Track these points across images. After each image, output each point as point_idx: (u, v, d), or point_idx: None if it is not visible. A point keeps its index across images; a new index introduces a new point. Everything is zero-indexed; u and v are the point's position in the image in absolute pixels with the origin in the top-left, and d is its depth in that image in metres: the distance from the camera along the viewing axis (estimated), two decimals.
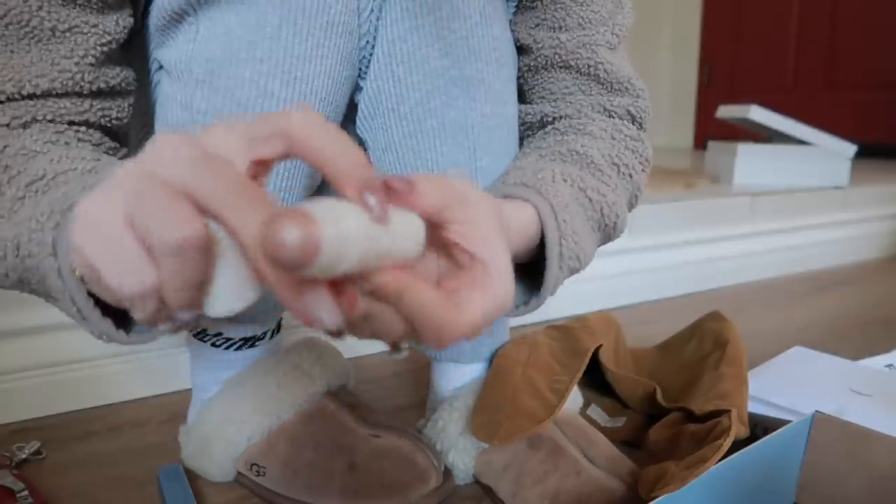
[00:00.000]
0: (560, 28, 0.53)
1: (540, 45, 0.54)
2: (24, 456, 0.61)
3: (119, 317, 0.35)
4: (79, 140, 0.43)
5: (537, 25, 0.54)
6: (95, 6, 0.43)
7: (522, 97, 0.59)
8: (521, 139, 0.59)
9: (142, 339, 0.36)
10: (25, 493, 0.54)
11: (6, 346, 0.69)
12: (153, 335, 0.35)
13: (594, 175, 0.50)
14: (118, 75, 0.46)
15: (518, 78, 0.57)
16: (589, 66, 0.54)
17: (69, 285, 0.32)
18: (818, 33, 2.90)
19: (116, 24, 0.45)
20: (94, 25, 0.43)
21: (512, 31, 0.55)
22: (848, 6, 2.78)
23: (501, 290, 0.32)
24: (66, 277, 0.32)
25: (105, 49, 0.44)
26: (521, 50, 0.56)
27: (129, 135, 0.51)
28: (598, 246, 0.53)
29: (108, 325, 0.34)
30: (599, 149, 0.52)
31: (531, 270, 0.47)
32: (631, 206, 0.55)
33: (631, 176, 0.53)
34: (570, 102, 0.55)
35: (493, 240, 0.32)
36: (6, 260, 0.35)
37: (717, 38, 3.36)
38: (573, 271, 0.47)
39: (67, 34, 0.42)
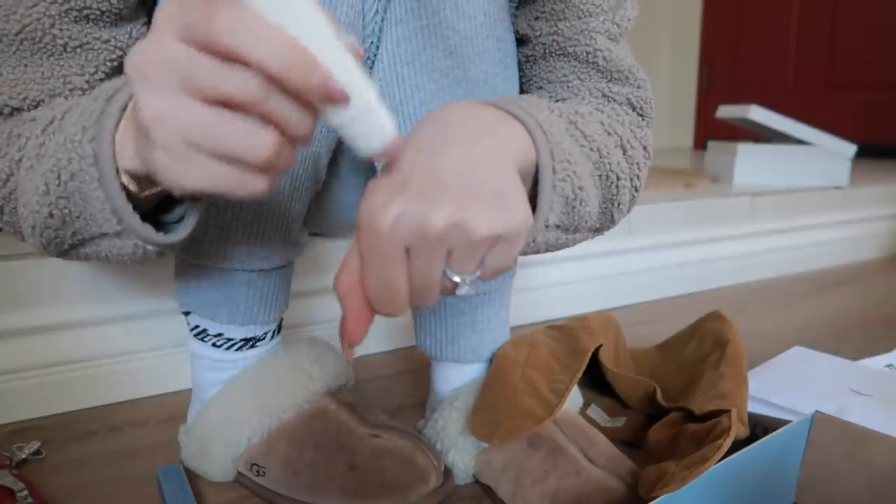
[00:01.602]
0: (559, 18, 0.52)
1: (538, 34, 0.53)
2: (23, 456, 0.61)
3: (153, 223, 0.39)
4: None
5: (537, 18, 0.53)
6: (108, 19, 0.44)
7: (520, 89, 0.58)
8: None
9: (176, 237, 0.39)
10: (25, 493, 0.54)
11: (6, 346, 0.69)
12: (186, 229, 0.40)
13: (580, 117, 0.47)
14: None
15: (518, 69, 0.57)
16: (587, 54, 0.52)
17: (110, 188, 0.35)
18: (818, 33, 2.90)
19: (129, 35, 0.46)
20: (106, 41, 0.44)
21: (511, 24, 0.55)
22: (848, 6, 2.78)
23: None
24: (108, 182, 0.35)
25: (116, 63, 0.45)
26: (520, 41, 0.55)
27: None
28: (601, 213, 0.48)
29: (147, 228, 0.37)
30: (592, 114, 0.48)
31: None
32: (632, 194, 0.50)
33: (624, 150, 0.48)
34: (568, 87, 0.53)
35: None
36: (49, 194, 0.37)
37: (717, 39, 3.36)
38: (570, 207, 0.43)
39: (78, 50, 0.43)
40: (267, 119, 0.28)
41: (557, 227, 0.44)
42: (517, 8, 0.55)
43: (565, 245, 0.47)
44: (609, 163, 0.46)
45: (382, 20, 0.49)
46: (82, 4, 0.42)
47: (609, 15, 0.52)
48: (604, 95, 0.53)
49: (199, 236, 0.52)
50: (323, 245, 0.86)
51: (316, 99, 0.28)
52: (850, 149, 1.61)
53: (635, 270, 1.21)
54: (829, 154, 1.60)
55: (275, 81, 0.27)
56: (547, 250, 0.47)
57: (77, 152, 0.35)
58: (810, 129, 1.59)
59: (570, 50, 0.52)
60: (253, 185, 0.29)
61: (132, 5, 0.46)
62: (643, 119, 0.53)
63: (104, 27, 0.44)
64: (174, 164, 0.29)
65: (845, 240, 1.59)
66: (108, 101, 0.36)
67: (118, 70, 0.46)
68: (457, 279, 0.34)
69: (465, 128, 0.36)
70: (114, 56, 0.45)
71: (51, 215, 0.38)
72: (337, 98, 0.28)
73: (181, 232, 0.40)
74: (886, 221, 1.69)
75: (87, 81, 0.44)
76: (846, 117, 2.78)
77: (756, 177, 1.59)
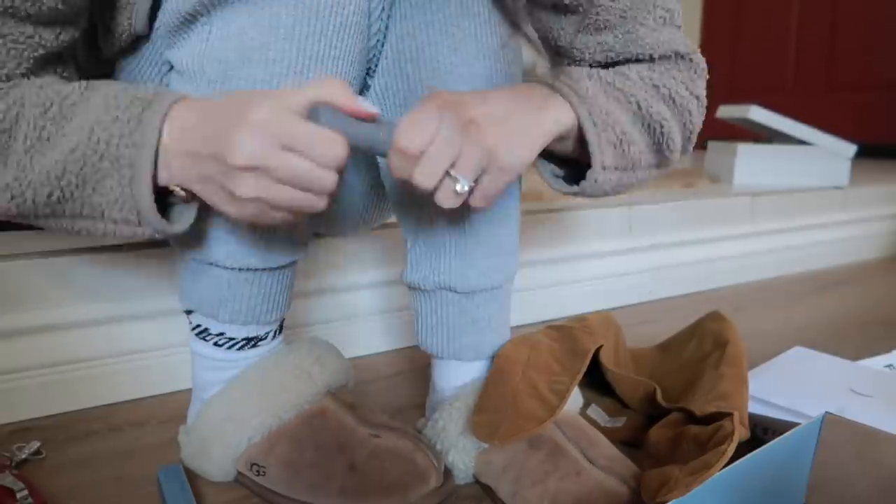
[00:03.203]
0: (603, 28, 0.53)
1: (591, 51, 0.55)
2: (24, 456, 0.61)
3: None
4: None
5: (578, 31, 0.54)
6: (39, 20, 0.44)
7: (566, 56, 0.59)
8: None
9: (182, 227, 0.46)
10: (25, 493, 0.54)
11: (6, 346, 0.69)
12: (189, 219, 0.46)
13: (625, 80, 0.52)
14: (56, 75, 0.47)
15: (556, 41, 0.57)
16: (639, 55, 0.54)
17: (140, 191, 0.42)
18: (818, 33, 2.90)
19: (56, 37, 0.45)
20: (30, 36, 0.44)
21: (548, 35, 0.55)
22: (848, 6, 2.78)
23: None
24: (140, 186, 0.42)
25: (39, 58, 0.45)
26: (565, 54, 0.56)
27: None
28: (653, 154, 0.54)
29: (164, 222, 0.44)
30: (638, 72, 0.53)
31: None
32: (685, 135, 0.56)
33: (674, 100, 0.53)
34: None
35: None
36: (62, 178, 0.41)
37: (717, 39, 3.36)
38: (620, 150, 0.51)
39: (1, 39, 0.43)
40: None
41: (615, 168, 0.51)
42: (550, 17, 0.54)
43: (630, 184, 0.54)
44: (650, 112, 0.52)
45: (388, 18, 0.49)
46: (10, 3, 0.42)
47: (650, 7, 0.53)
48: (657, 55, 0.55)
49: (203, 235, 0.52)
50: (324, 245, 0.86)
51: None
52: (850, 149, 1.61)
53: (635, 270, 1.21)
54: (829, 154, 1.60)
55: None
56: (616, 191, 0.54)
57: (111, 152, 0.41)
58: (810, 129, 1.59)
59: (623, 60, 0.55)
60: (286, 222, 0.44)
61: (70, 13, 0.45)
62: (696, 74, 0.56)
63: (29, 24, 0.44)
64: (233, 206, 0.42)
65: (845, 240, 1.59)
66: (148, 108, 0.42)
67: (40, 65, 0.46)
68: (455, 176, 0.43)
69: (508, 92, 0.48)
70: (37, 53, 0.45)
71: (50, 195, 0.41)
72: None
73: (185, 221, 0.46)
74: (886, 221, 1.69)
75: (8, 76, 0.44)
76: (846, 117, 2.78)
77: (756, 177, 1.59)
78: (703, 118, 0.57)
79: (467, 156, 0.43)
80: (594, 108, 0.49)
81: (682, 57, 0.55)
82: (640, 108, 0.51)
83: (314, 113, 0.41)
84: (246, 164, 0.39)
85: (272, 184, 0.40)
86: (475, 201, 0.46)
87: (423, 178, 0.42)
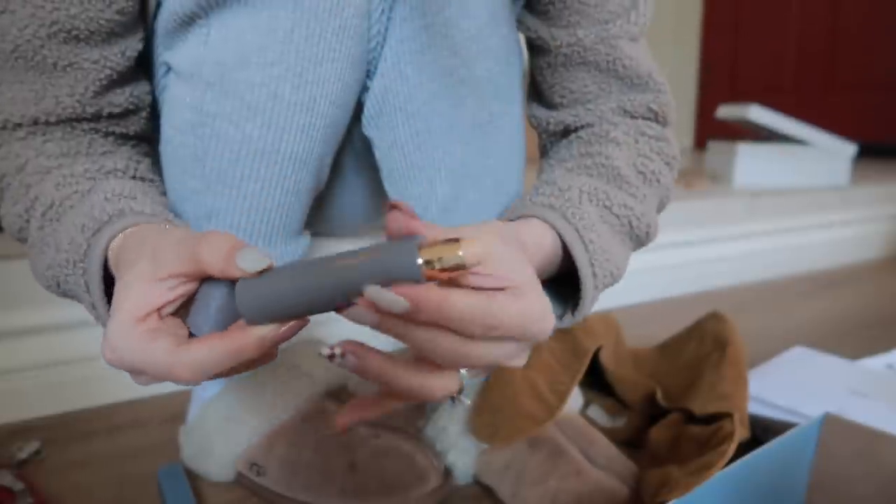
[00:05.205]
0: (578, 26, 0.53)
1: (558, 44, 0.53)
2: (24, 456, 0.61)
3: None
4: (90, 143, 0.48)
5: (554, 26, 0.53)
6: (99, 38, 0.46)
7: (541, 97, 0.58)
8: (543, 146, 0.59)
9: None
10: (25, 493, 0.54)
11: (6, 346, 0.69)
12: None
13: (621, 188, 0.50)
14: (125, 96, 0.49)
15: (537, 76, 0.57)
16: (608, 62, 0.53)
17: (100, 314, 0.41)
18: (818, 33, 2.90)
19: (122, 54, 0.47)
20: (95, 61, 0.46)
21: (526, 29, 0.55)
22: (848, 6, 2.78)
23: (538, 306, 0.33)
24: (99, 309, 0.41)
25: (105, 81, 0.47)
26: (538, 49, 0.56)
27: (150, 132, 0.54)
28: (635, 247, 0.52)
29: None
30: (625, 158, 0.51)
31: (563, 283, 0.48)
32: (661, 209, 0.55)
33: (659, 181, 0.52)
34: (590, 109, 0.55)
35: (519, 267, 0.34)
36: (50, 288, 0.44)
37: (717, 39, 3.36)
38: (609, 286, 0.48)
39: (69, 69, 0.45)
40: None
41: (596, 288, 0.47)
42: (529, 14, 0.55)
43: None
44: (640, 226, 0.50)
45: (388, 20, 0.49)
46: (70, 26, 0.44)
47: (626, 17, 0.53)
48: (625, 112, 0.54)
49: None
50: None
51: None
52: (850, 149, 1.61)
53: (636, 270, 1.21)
54: (829, 154, 1.60)
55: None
56: None
57: (73, 278, 0.41)
58: (810, 129, 1.59)
59: (591, 59, 0.53)
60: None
61: (127, 22, 0.47)
62: (665, 127, 0.55)
63: (94, 47, 0.46)
64: None
65: (845, 240, 1.59)
66: (95, 235, 0.41)
67: (108, 87, 0.48)
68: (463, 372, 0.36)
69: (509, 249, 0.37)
70: (102, 75, 0.47)
71: (57, 287, 0.44)
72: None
73: None
74: (886, 221, 1.69)
75: (78, 101, 0.46)
76: (846, 117, 2.78)
77: (756, 177, 1.59)
78: (677, 174, 0.55)
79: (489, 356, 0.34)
80: (596, 255, 0.45)
81: (654, 112, 0.54)
82: (631, 227, 0.49)
83: (205, 294, 0.32)
84: (111, 363, 0.35)
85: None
86: (474, 376, 0.39)
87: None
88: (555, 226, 0.44)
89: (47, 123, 0.46)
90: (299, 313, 0.31)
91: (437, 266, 0.29)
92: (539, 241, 0.43)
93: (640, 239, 0.51)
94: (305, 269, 0.31)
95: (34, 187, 0.45)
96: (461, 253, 0.29)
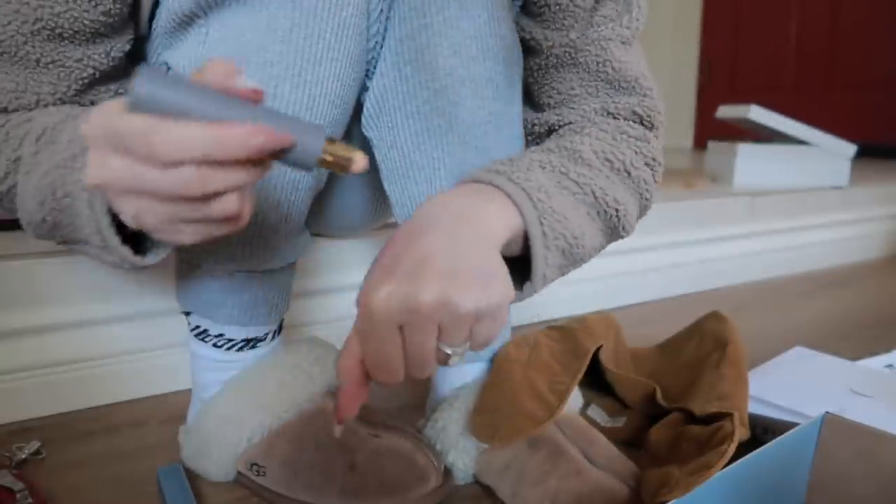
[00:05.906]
0: (570, 28, 0.53)
1: (550, 45, 0.53)
2: (24, 456, 0.61)
3: (134, 245, 0.41)
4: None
5: (547, 27, 0.54)
6: (83, 38, 0.46)
7: (531, 99, 0.58)
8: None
9: (154, 259, 0.41)
10: (25, 492, 0.54)
11: (6, 346, 0.69)
12: (163, 254, 0.42)
13: (578, 164, 0.49)
14: (109, 94, 0.49)
15: (527, 77, 0.57)
16: (597, 64, 0.53)
17: (97, 212, 0.37)
18: (818, 33, 2.90)
19: (106, 54, 0.47)
20: (79, 60, 0.46)
21: (520, 30, 0.55)
22: (848, 6, 2.78)
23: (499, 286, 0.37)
24: (96, 206, 0.37)
25: (88, 80, 0.47)
26: (531, 50, 0.55)
27: None
28: (607, 237, 0.51)
29: (126, 250, 0.39)
30: (591, 145, 0.51)
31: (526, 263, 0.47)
32: (642, 206, 0.54)
33: (629, 173, 0.51)
34: (574, 108, 0.55)
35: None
36: (44, 205, 0.40)
37: (717, 38, 3.36)
38: (569, 254, 0.46)
39: (51, 66, 0.45)
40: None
41: (558, 267, 0.47)
42: (524, 16, 0.55)
43: (571, 271, 0.50)
44: (605, 200, 0.49)
45: (387, 19, 0.49)
46: (54, 24, 0.44)
47: (619, 20, 0.53)
48: (608, 113, 0.54)
49: None
50: (324, 245, 0.86)
51: (260, 156, 0.31)
52: (850, 149, 1.61)
53: (635, 270, 1.21)
54: (829, 154, 1.60)
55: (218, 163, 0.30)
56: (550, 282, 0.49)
57: (71, 177, 0.38)
58: (810, 129, 1.59)
59: (581, 60, 0.53)
60: (235, 225, 0.34)
61: (113, 23, 0.47)
62: (650, 130, 0.55)
63: (78, 45, 0.46)
64: (164, 235, 0.34)
65: (845, 240, 1.59)
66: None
67: (91, 85, 0.48)
68: (448, 351, 0.38)
69: (445, 218, 0.40)
70: (85, 74, 0.47)
71: (44, 220, 0.41)
72: (277, 146, 0.31)
73: (157, 255, 0.42)
74: (886, 221, 1.69)
75: (60, 99, 0.46)
76: (846, 117, 2.78)
77: (756, 177, 1.59)
78: (660, 178, 0.54)
79: (448, 328, 0.37)
80: (547, 214, 0.44)
81: (639, 116, 0.54)
82: (595, 197, 0.48)
83: (133, 92, 0.29)
84: (92, 183, 0.32)
85: (135, 199, 0.32)
86: (477, 349, 0.40)
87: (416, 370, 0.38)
88: (501, 187, 0.43)
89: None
90: (188, 110, 0.30)
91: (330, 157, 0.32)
92: (501, 220, 0.43)
93: (609, 217, 0.50)
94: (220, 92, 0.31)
95: (20, 127, 0.43)
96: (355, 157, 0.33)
